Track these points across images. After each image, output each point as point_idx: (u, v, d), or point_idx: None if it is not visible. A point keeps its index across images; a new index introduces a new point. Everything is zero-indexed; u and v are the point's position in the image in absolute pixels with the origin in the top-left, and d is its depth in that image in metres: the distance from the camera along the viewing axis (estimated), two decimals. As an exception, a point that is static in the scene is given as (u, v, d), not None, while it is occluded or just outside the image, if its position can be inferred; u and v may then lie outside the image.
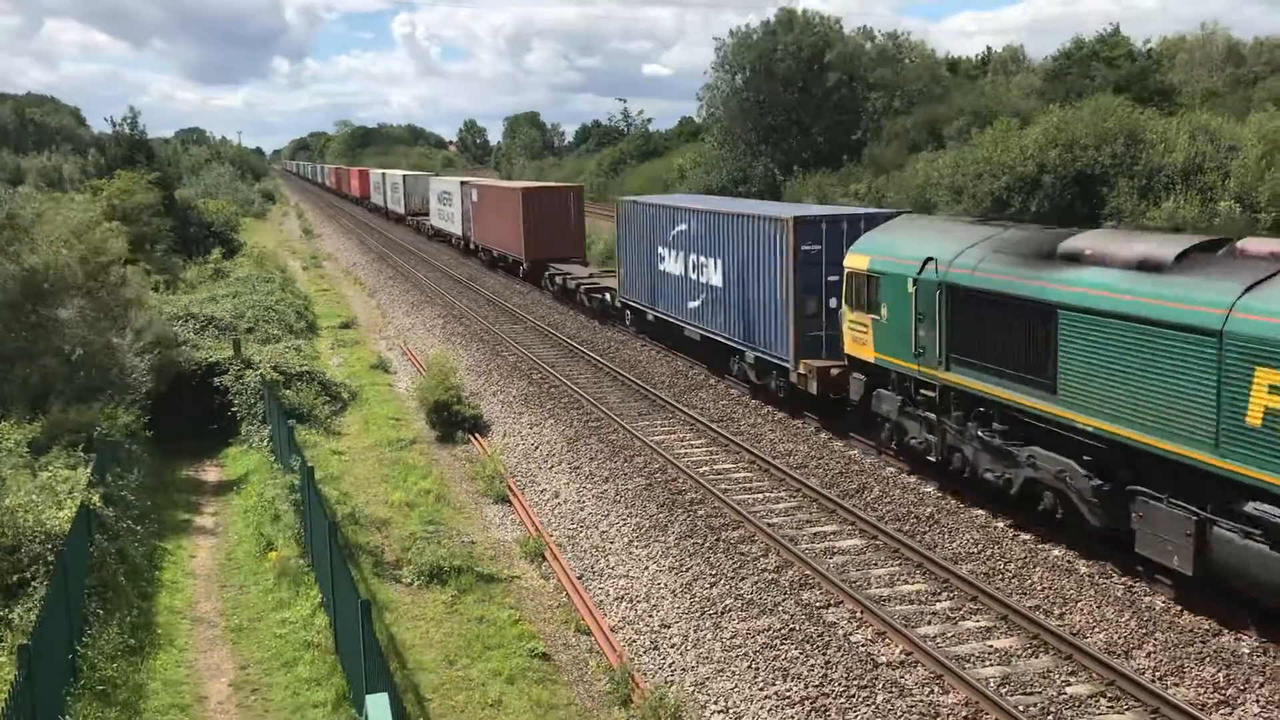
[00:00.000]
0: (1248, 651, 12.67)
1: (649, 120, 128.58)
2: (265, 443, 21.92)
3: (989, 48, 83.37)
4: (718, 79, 67.33)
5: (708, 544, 16.73)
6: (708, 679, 12.98)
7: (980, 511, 17.40)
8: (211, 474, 22.57)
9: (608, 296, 35.47)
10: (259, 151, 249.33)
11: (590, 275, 39.38)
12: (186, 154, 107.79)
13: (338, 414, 25.90)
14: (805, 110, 64.01)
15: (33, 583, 13.39)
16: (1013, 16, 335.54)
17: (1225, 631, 13.13)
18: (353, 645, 11.68)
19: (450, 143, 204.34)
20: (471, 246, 55.49)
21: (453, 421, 24.40)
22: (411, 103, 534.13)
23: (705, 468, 20.29)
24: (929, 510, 17.60)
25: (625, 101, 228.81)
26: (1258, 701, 11.65)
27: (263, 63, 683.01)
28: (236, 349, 25.61)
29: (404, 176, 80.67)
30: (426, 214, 71.12)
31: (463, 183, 57.97)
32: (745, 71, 65.26)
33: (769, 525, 17.06)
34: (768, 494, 18.83)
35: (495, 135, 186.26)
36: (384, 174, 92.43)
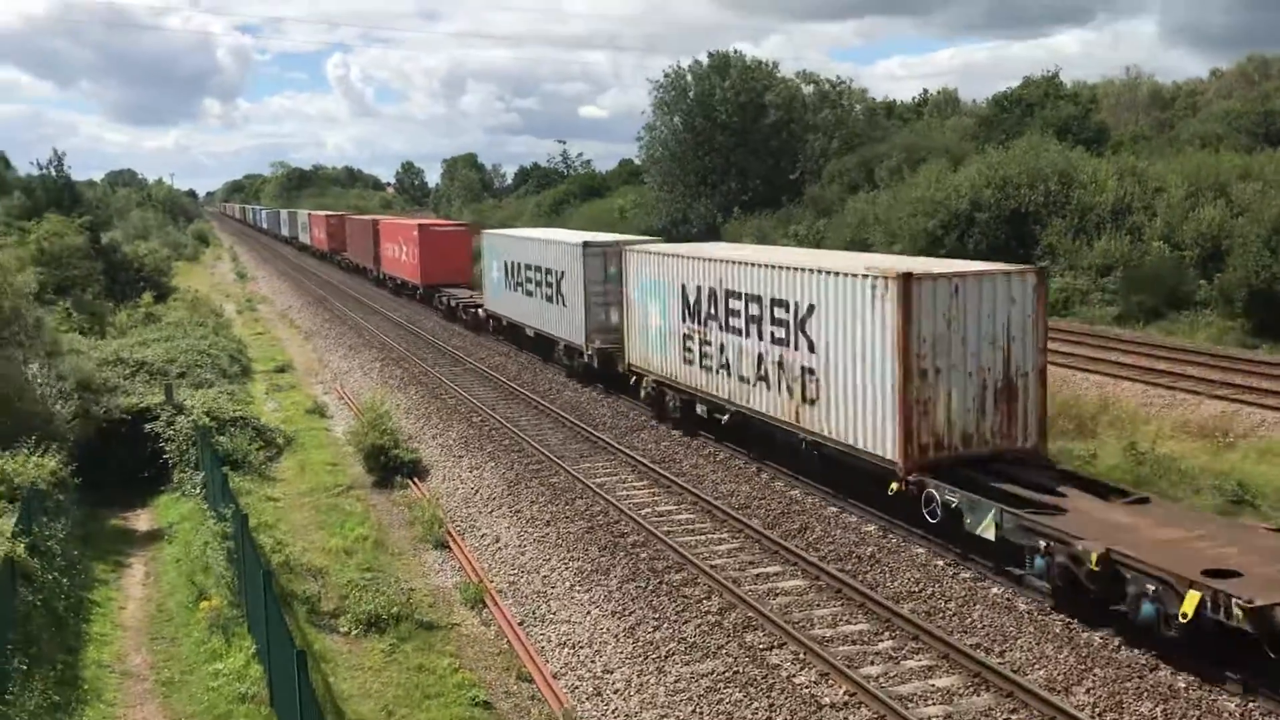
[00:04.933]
0: (1184, 686, 12.79)
1: (589, 162, 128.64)
2: (198, 490, 21.46)
3: (925, 90, 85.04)
4: (656, 120, 67.88)
5: (650, 587, 16.61)
6: (651, 725, 12.82)
7: (920, 550, 17.48)
8: (143, 522, 22.04)
9: None
10: (192, 194, 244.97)
11: None
12: (116, 196, 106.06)
13: (273, 460, 25.46)
14: (743, 152, 64.68)
15: (-50, 639, 12.93)
16: (942, 61, 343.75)
17: (1162, 666, 13.25)
18: (289, 697, 11.39)
19: (388, 184, 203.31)
20: None
21: (390, 466, 24.07)
22: (347, 144, 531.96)
23: (647, 510, 20.19)
24: (870, 550, 17.64)
25: (565, 143, 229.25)
26: (1196, 736, 11.73)
27: (194, 104, 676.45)
28: (168, 394, 25.12)
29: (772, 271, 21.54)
30: None
31: None
32: (682, 113, 65.87)
33: (712, 567, 16.98)
34: (710, 535, 18.76)
35: (433, 177, 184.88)
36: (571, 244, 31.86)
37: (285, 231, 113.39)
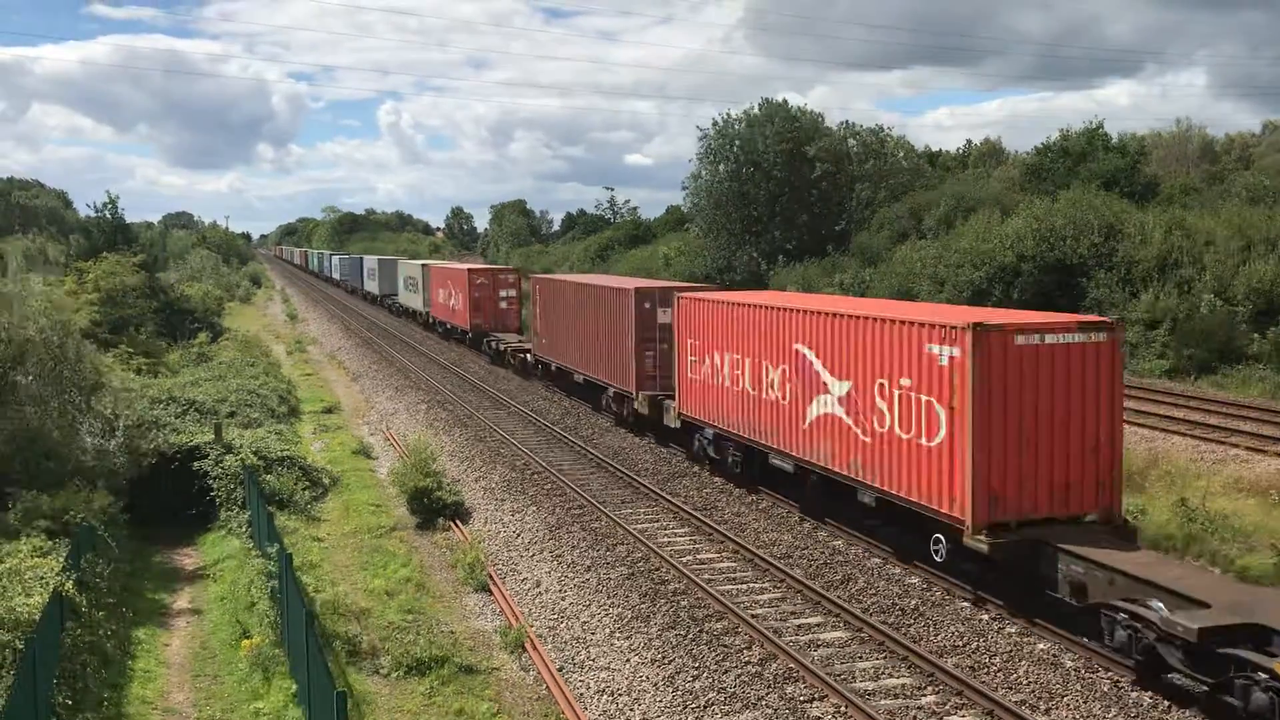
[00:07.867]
0: (1237, 749, 12.51)
1: (635, 208, 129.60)
2: (244, 528, 21.68)
3: (969, 141, 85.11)
4: (701, 168, 68.23)
5: (690, 636, 16.52)
6: (690, 775, 12.70)
7: (965, 604, 17.26)
8: (189, 559, 22.27)
9: None
10: (246, 236, 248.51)
11: None
12: (172, 238, 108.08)
13: (318, 500, 25.67)
14: (789, 200, 64.83)
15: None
16: (990, 111, 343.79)
17: (1214, 728, 12.97)
18: (328, 739, 11.41)
19: (437, 229, 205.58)
20: None
21: (433, 508, 24.19)
22: (397, 189, 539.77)
23: (689, 557, 20.12)
24: (914, 602, 17.45)
25: (613, 190, 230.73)
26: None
27: (248, 149, 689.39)
28: (217, 433, 25.45)
29: None
30: None
31: None
32: (729, 161, 66.17)
33: (753, 617, 16.86)
34: (752, 584, 18.65)
35: (481, 222, 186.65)
36: None
37: (373, 287, 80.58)
